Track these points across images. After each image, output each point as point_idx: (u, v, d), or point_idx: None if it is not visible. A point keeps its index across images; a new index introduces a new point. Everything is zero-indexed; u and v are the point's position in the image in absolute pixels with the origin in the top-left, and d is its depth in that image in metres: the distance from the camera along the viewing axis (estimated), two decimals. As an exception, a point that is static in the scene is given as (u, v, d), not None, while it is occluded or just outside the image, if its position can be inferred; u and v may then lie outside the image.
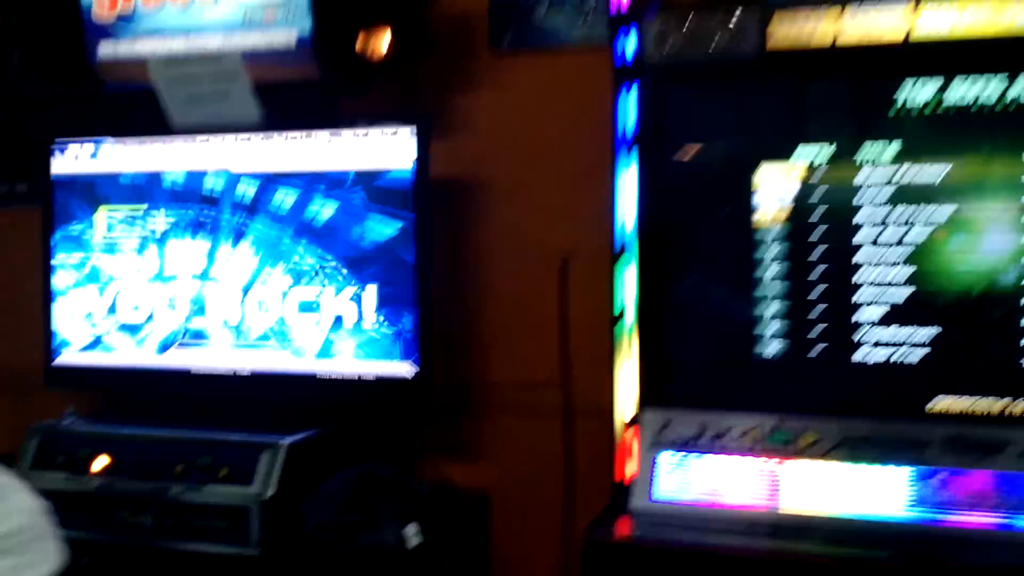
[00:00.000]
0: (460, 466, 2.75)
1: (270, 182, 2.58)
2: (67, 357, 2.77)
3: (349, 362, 2.52)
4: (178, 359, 2.67)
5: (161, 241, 2.68)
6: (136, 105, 2.70)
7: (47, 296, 2.78)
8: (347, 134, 2.52)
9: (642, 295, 2.29)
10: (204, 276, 2.65)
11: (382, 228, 2.49)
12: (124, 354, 2.72)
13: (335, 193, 2.53)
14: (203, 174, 2.64)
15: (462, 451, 2.76)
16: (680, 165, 2.29)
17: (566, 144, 2.62)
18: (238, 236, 2.61)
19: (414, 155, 2.47)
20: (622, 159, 2.32)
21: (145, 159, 2.69)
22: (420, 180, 2.48)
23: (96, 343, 2.74)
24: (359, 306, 2.52)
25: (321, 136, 2.54)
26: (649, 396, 2.26)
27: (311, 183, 2.55)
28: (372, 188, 2.50)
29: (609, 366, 2.35)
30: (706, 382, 2.29)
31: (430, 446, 2.76)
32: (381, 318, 2.50)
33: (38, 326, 2.81)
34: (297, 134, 2.56)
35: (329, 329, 2.54)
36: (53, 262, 2.77)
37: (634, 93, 2.29)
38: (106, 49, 2.65)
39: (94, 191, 2.74)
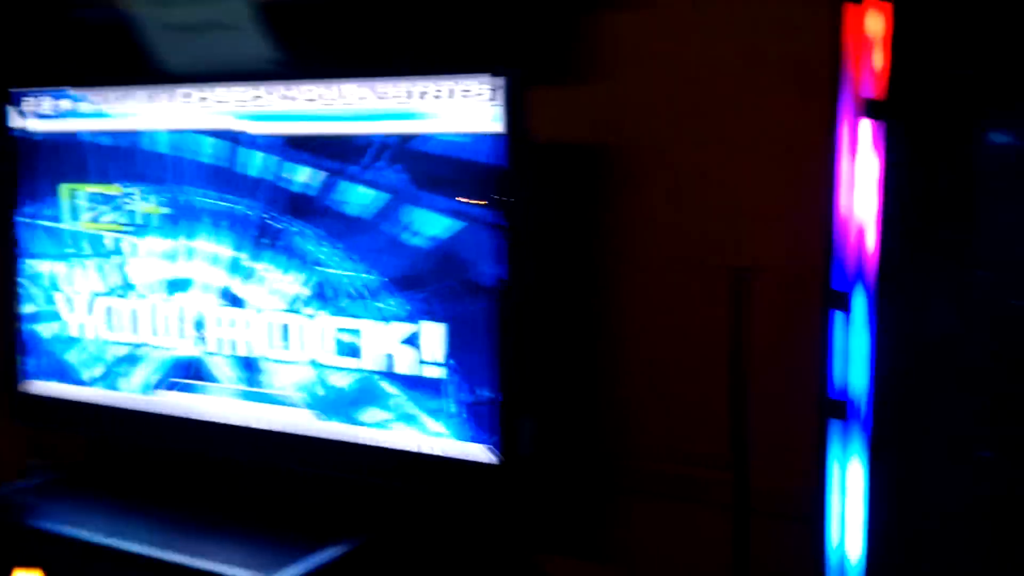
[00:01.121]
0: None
1: (286, 152, 1.69)
2: (36, 384, 2.02)
3: (402, 432, 1.65)
4: (172, 402, 1.86)
5: (144, 233, 1.86)
6: (110, 41, 1.86)
7: (7, 299, 2.02)
8: (394, 86, 1.59)
9: (879, 359, 1.31)
10: (204, 287, 1.81)
11: (449, 228, 1.57)
12: (103, 390, 1.94)
13: (380, 172, 1.62)
14: (197, 139, 1.77)
15: (584, 552, 1.85)
16: (961, 142, 1.26)
17: (756, 96, 1.60)
18: (244, 230, 1.75)
19: (500, 119, 1.52)
20: (848, 126, 1.31)
21: (119, 117, 1.85)
22: (514, 154, 1.53)
23: (69, 370, 1.98)
24: (417, 350, 1.62)
25: (357, 88, 1.62)
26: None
27: (344, 155, 1.64)
28: (435, 164, 1.57)
29: (817, 458, 1.40)
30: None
31: (535, 545, 1.85)
32: (449, 370, 1.60)
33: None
34: (322, 84, 1.65)
35: (372, 380, 1.66)
36: (15, 254, 2.00)
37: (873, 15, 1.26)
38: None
39: (58, 159, 1.93)
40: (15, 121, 1.95)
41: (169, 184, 1.81)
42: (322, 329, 1.70)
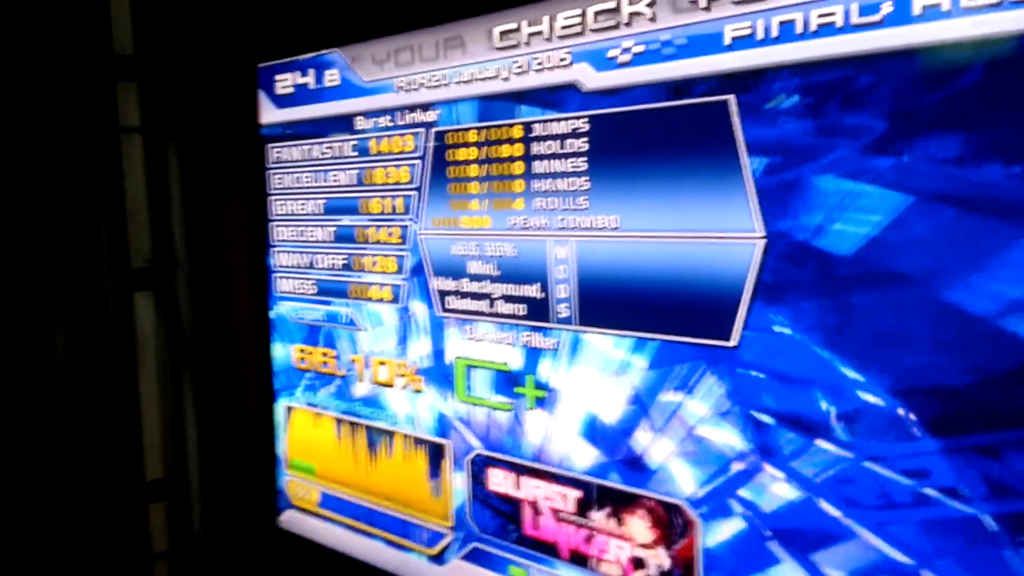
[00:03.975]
0: None
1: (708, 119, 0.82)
2: (294, 517, 1.32)
3: None
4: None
5: (415, 280, 1.08)
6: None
7: (265, 393, 1.34)
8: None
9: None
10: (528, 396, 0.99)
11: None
12: (368, 541, 1.18)
13: (901, 150, 0.68)
14: (509, 110, 0.96)
15: None
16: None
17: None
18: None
19: None
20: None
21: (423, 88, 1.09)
22: None
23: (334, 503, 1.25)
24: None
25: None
26: None
27: (819, 111, 0.73)
28: None
29: None
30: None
31: None
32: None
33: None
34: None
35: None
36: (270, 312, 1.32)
37: None
38: None
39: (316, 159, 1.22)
40: (269, 115, 1.27)
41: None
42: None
